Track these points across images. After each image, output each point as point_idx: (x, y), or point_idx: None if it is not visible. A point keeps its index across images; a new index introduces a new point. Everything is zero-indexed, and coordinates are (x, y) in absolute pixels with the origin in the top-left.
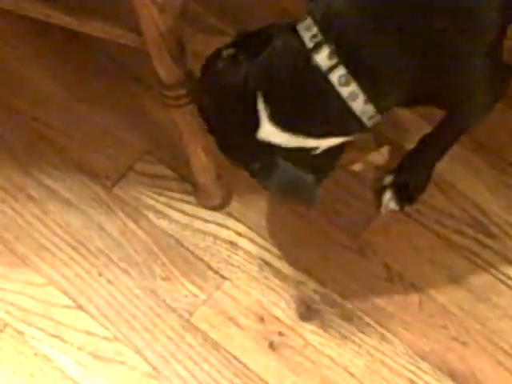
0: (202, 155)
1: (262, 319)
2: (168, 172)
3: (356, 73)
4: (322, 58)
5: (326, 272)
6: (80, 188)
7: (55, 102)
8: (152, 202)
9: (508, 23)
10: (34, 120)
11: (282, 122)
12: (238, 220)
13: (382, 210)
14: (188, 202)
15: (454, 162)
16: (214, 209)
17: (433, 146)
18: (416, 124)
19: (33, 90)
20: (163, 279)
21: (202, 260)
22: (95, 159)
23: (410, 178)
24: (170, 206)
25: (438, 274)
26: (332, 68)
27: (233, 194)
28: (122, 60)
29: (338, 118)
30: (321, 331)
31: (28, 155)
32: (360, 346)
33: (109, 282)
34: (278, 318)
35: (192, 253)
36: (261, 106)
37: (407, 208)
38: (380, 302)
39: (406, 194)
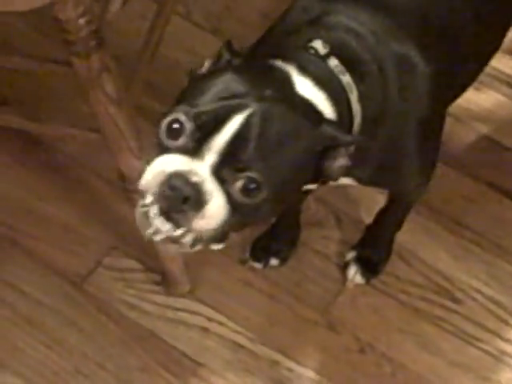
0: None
1: None
2: (136, 264)
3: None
4: (318, 45)
5: (299, 349)
6: (50, 287)
7: (19, 205)
8: (122, 295)
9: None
10: (1, 225)
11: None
12: (207, 305)
13: (348, 284)
14: (158, 292)
15: (413, 231)
16: (184, 296)
17: (387, 221)
18: (373, 198)
19: None
20: (139, 370)
21: (176, 348)
22: (63, 257)
23: (372, 251)
24: (141, 298)
25: (408, 342)
26: (327, 55)
27: (201, 279)
28: (80, 157)
29: (342, 103)
30: None
31: None
32: None
33: (86, 377)
34: None
35: (165, 342)
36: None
37: (372, 280)
38: (354, 374)
39: (370, 267)
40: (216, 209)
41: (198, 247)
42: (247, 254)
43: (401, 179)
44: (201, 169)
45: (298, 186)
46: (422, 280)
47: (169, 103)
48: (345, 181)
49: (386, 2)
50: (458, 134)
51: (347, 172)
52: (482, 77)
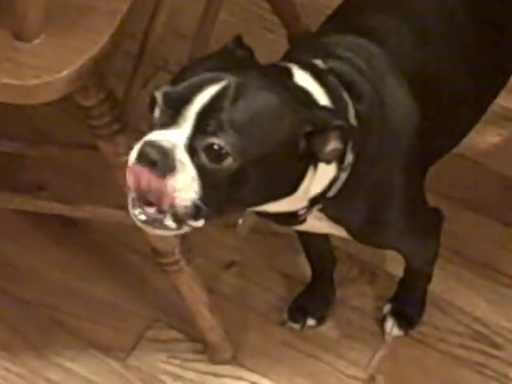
0: (207, 314)
1: None
2: (178, 335)
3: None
4: (318, 62)
5: None
6: (96, 364)
7: (60, 285)
8: (167, 367)
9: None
10: (43, 307)
11: None
12: (250, 370)
13: (387, 337)
14: (201, 361)
15: (447, 279)
16: (227, 362)
17: (413, 278)
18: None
19: (37, 278)
20: None
21: None
22: (107, 334)
23: (407, 304)
24: (185, 367)
25: None
26: (327, 71)
27: (243, 344)
28: (116, 233)
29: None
30: None
31: (42, 341)
32: None
33: None
34: None
35: None
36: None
37: (410, 332)
38: None
39: (407, 319)
40: (185, 179)
41: (183, 228)
42: (285, 316)
43: (392, 235)
44: (174, 136)
45: (280, 165)
46: (460, 327)
47: None
48: (337, 231)
49: (386, 39)
50: (482, 178)
51: (337, 217)
52: (502, 121)
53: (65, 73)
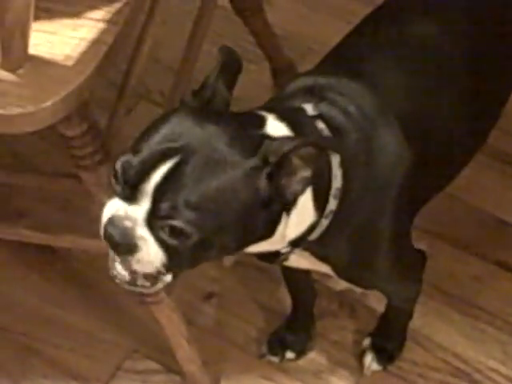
0: (185, 346)
1: None
2: (156, 366)
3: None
4: (308, 107)
5: None
6: None
7: (37, 314)
8: None
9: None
10: (22, 335)
11: None
12: None
13: (366, 372)
14: None
15: (427, 315)
16: None
17: (395, 315)
18: None
19: (14, 305)
20: None
21: None
22: (84, 363)
23: (387, 339)
24: None
25: None
26: (315, 117)
27: (222, 377)
28: (95, 262)
29: (320, 158)
30: None
31: (19, 369)
32: None
33: None
34: None
35: None
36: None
37: (389, 367)
38: None
39: (386, 354)
40: (148, 254)
41: (157, 286)
42: (264, 348)
43: (376, 277)
44: (134, 211)
45: (247, 222)
46: (439, 363)
47: None
48: (323, 268)
49: (379, 82)
50: (460, 213)
51: (323, 256)
52: (479, 155)
53: (49, 103)
